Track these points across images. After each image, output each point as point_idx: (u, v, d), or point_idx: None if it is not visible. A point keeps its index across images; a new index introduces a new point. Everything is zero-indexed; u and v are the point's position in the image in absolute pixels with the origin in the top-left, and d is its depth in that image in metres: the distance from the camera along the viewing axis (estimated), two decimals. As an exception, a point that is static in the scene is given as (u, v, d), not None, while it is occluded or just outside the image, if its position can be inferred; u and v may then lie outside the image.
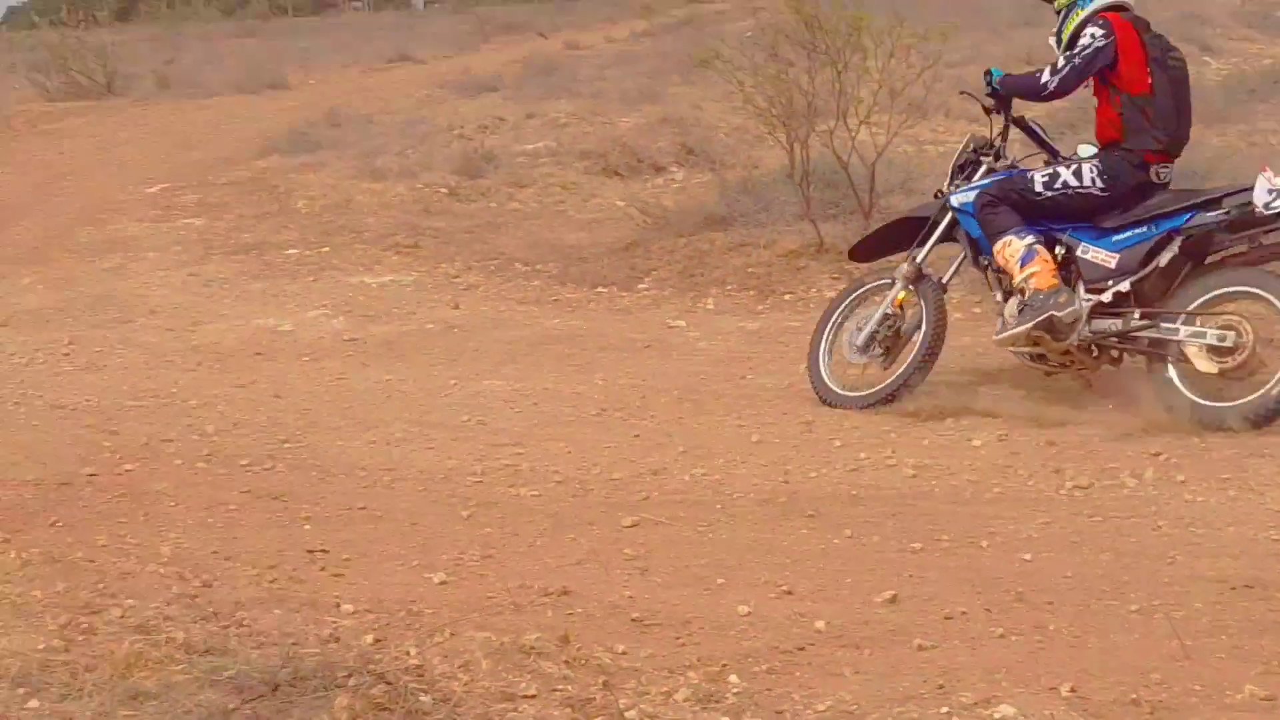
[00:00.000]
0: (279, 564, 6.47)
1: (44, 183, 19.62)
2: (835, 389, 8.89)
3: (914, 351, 8.70)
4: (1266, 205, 7.70)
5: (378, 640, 5.41)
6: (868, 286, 9.17)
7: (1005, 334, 8.46)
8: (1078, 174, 8.35)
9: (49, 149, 23.47)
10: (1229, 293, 7.88)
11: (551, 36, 50.14)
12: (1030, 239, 8.37)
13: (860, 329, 8.91)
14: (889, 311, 8.85)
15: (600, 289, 12.19)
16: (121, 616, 5.59)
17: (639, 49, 34.44)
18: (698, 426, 8.58)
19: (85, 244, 15.20)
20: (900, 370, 8.70)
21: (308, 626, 5.58)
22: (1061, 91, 8.47)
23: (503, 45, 47.41)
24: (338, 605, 5.87)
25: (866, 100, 12.09)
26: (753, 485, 7.54)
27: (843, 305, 9.17)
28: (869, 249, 9.62)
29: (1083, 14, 8.42)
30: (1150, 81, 8.28)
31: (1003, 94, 8.69)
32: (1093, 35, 8.28)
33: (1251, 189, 7.76)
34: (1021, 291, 8.35)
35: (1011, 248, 8.40)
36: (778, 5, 13.32)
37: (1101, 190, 8.29)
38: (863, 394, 8.76)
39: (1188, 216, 8.03)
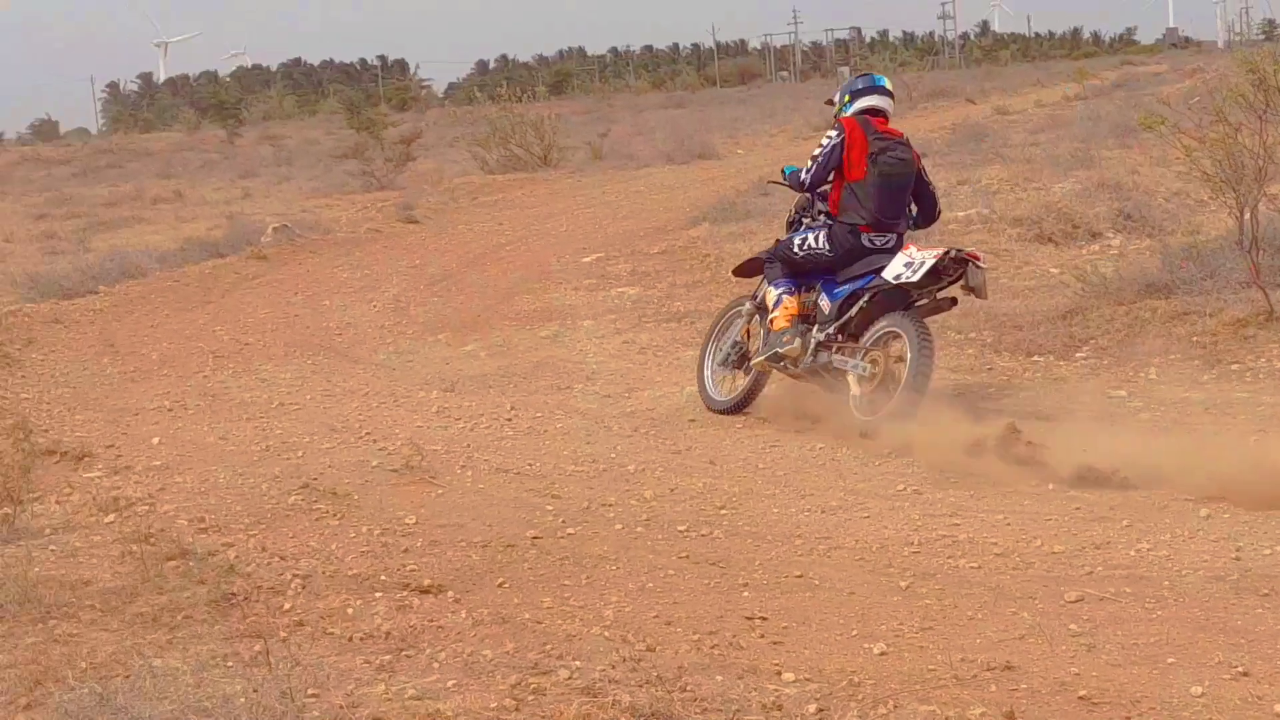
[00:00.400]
0: (719, 630, 6.50)
1: (484, 253, 20.36)
2: (712, 394, 11.21)
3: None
4: (895, 276, 10.14)
5: (820, 710, 5.38)
6: (737, 309, 11.53)
7: (753, 360, 10.91)
8: (816, 239, 10.75)
9: (488, 220, 24.38)
10: (888, 331, 10.14)
11: (980, 101, 49.79)
12: (780, 290, 10.83)
13: (723, 346, 11.36)
14: (736, 339, 11.31)
15: (1036, 357, 11.94)
16: (568, 678, 5.70)
17: (1071, 113, 33.80)
18: (1142, 500, 8.29)
19: (524, 312, 15.69)
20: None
21: (750, 694, 5.59)
22: (813, 184, 10.90)
23: (930, 111, 47.26)
24: (779, 673, 5.87)
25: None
26: (1202, 561, 7.24)
27: (722, 320, 11.63)
28: (745, 271, 11.90)
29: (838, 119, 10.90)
30: (865, 171, 10.50)
31: (788, 183, 11.20)
32: (829, 137, 10.78)
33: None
34: (770, 328, 10.71)
35: (770, 296, 10.89)
36: (1218, 65, 12.89)
37: (829, 252, 10.66)
38: (724, 400, 11.12)
39: (869, 279, 10.38)
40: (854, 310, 10.42)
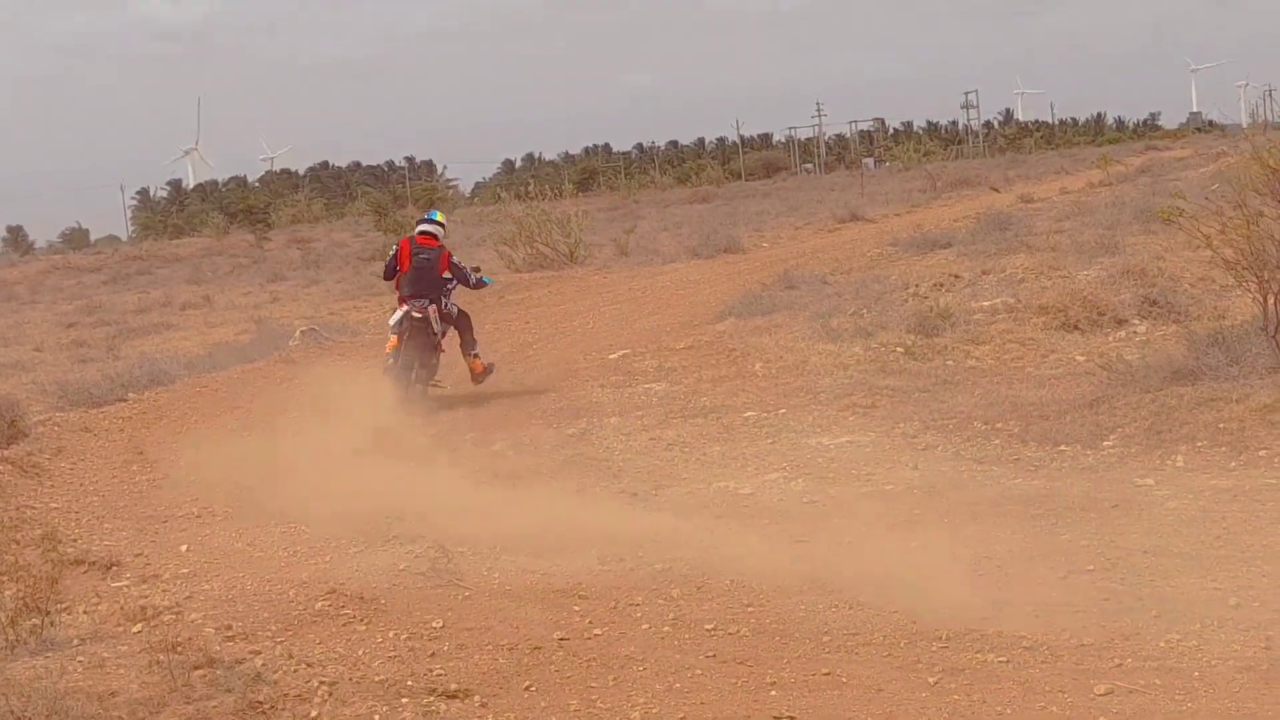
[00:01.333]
0: (746, 730, 6.46)
1: (511, 352, 20.40)
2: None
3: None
4: (390, 323, 17.28)
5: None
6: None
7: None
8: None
9: (515, 319, 24.45)
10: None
11: (1004, 190, 49.88)
12: (391, 324, 17.26)
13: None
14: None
15: (1063, 447, 11.90)
16: (594, 783, 5.66)
17: (1095, 200, 33.84)
18: (1170, 589, 8.24)
19: (551, 409, 15.70)
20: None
21: (777, 794, 5.55)
22: (387, 276, 18.10)
23: (954, 201, 47.41)
24: (805, 775, 5.83)
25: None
26: (1232, 651, 7.20)
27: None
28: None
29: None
30: (409, 266, 17.14)
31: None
32: (392, 248, 18.07)
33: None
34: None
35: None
36: (1241, 150, 12.93)
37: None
38: None
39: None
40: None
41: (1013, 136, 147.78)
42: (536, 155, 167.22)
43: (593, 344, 20.12)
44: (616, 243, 36.03)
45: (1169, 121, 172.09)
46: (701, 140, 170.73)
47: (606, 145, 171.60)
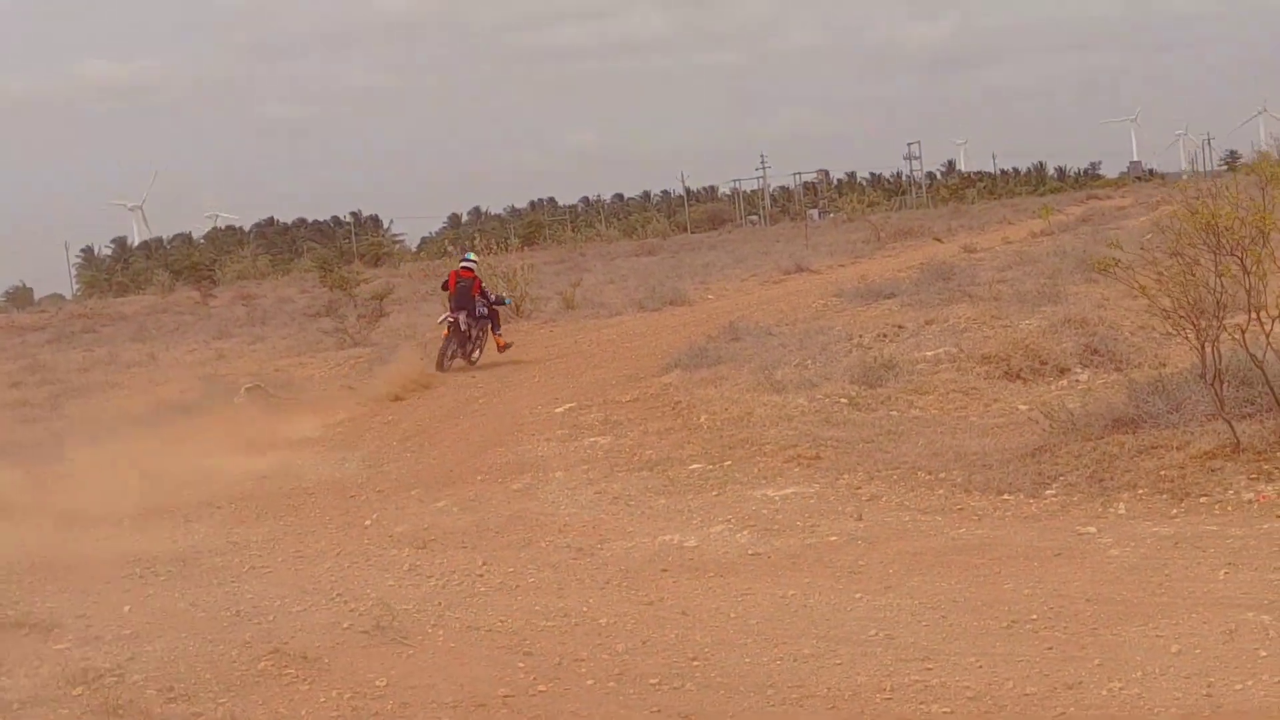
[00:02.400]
0: (690, 786, 6.45)
1: (456, 407, 20.41)
2: None
3: None
4: (438, 321, 26.88)
5: None
6: None
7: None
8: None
9: (460, 373, 24.46)
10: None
11: (947, 240, 50.21)
12: (438, 322, 26.96)
13: None
14: None
15: (1006, 496, 11.94)
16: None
17: (1037, 249, 34.15)
18: (1113, 638, 8.28)
19: (496, 465, 15.68)
20: None
21: None
22: (445, 289, 27.18)
23: (898, 251, 47.69)
24: (749, 830, 5.81)
25: (1275, 295, 11.65)
26: (1174, 699, 7.24)
27: None
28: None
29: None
30: (454, 288, 25.83)
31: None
32: (445, 276, 27.83)
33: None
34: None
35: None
36: (1177, 200, 13.04)
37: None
38: None
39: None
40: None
41: (955, 187, 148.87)
42: (483, 209, 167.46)
43: (539, 397, 20.13)
44: (563, 296, 36.13)
45: (1110, 170, 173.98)
46: (647, 193, 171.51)
47: (552, 199, 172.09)
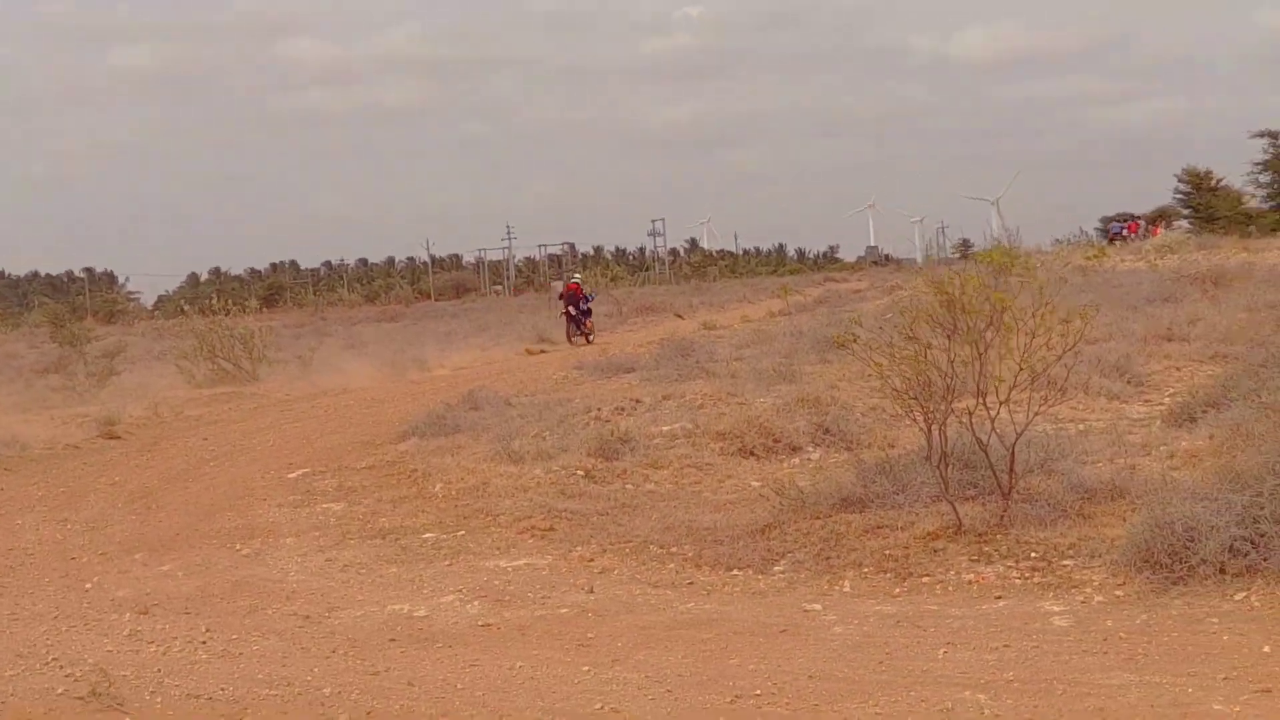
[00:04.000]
0: None
1: (187, 469, 19.98)
2: None
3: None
4: (560, 313, 46.87)
5: None
6: None
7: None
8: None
9: (193, 435, 24.00)
10: None
11: (688, 317, 50.91)
12: (561, 314, 46.67)
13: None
14: None
15: (735, 571, 12.05)
16: None
17: (775, 328, 34.76)
18: (832, 714, 8.40)
19: (225, 530, 15.37)
20: None
21: None
22: (560, 298, 48.49)
23: (640, 326, 48.19)
24: None
25: (1007, 379, 12.00)
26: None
27: None
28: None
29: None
30: (566, 293, 46.12)
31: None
32: (562, 286, 49.57)
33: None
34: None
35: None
36: (915, 283, 13.39)
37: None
38: None
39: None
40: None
41: (698, 264, 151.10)
42: (223, 270, 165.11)
43: (272, 462, 19.82)
44: (301, 359, 35.75)
45: (848, 254, 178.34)
46: (391, 259, 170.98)
47: (294, 262, 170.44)
